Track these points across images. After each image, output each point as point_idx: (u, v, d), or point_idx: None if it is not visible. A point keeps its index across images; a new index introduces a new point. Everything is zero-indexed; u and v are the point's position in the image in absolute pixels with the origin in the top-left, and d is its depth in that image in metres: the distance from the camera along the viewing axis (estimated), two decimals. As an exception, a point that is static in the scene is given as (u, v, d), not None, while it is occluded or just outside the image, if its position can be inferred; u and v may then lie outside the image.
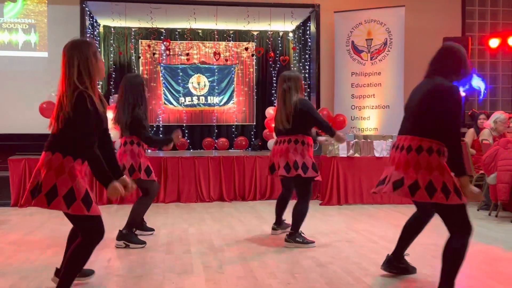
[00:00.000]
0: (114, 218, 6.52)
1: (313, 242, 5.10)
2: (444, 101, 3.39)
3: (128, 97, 5.03)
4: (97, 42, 10.41)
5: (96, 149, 3.22)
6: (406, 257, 4.10)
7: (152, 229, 5.66)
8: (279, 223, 5.71)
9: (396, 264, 4.03)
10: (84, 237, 3.20)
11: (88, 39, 3.37)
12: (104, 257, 4.60)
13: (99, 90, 3.44)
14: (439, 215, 3.55)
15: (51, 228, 6.01)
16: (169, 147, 5.27)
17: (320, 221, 6.47)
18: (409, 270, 4.06)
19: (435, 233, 5.63)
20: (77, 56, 3.15)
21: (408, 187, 3.43)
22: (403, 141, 3.59)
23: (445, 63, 3.58)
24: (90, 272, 3.88)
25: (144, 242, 5.10)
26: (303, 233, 5.12)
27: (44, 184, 3.11)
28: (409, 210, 7.29)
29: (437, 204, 3.42)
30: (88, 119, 3.13)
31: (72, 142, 3.14)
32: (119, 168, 3.51)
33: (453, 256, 3.42)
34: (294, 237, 5.05)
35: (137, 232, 5.39)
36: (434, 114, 3.41)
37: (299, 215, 5.06)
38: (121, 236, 5.06)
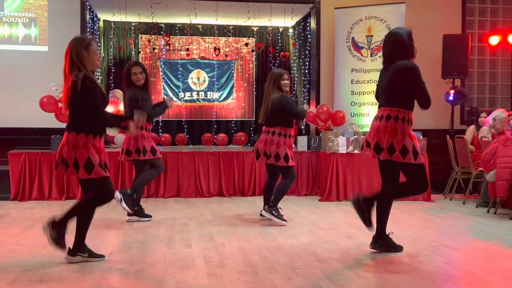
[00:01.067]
0: (113, 210, 6.54)
1: (285, 220, 5.86)
2: (409, 76, 4.30)
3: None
4: (97, 37, 10.40)
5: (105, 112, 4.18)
6: (390, 236, 4.68)
7: (150, 216, 6.10)
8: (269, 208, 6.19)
9: (381, 242, 4.65)
10: (96, 196, 4.09)
11: (84, 36, 4.14)
12: (105, 251, 4.62)
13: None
14: (402, 172, 4.47)
15: (52, 222, 6.03)
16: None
17: (320, 216, 6.50)
18: (395, 247, 4.65)
19: (435, 230, 5.69)
20: (71, 50, 3.93)
21: (387, 150, 4.31)
22: (382, 112, 4.43)
23: (393, 51, 4.44)
24: (101, 256, 4.38)
25: (150, 216, 6.03)
26: (280, 208, 6.02)
27: (68, 159, 3.95)
28: (408, 206, 7.39)
29: (399, 163, 4.32)
30: (93, 95, 3.93)
31: (85, 120, 3.97)
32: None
33: (394, 193, 4.54)
34: (271, 209, 5.84)
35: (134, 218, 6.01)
36: (404, 88, 4.31)
37: (279, 192, 5.86)
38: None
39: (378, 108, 4.54)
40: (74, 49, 3.92)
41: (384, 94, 4.46)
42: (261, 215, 6.17)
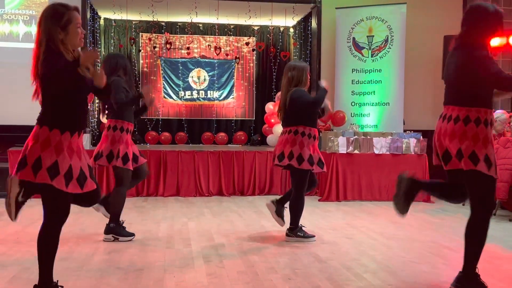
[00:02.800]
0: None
1: (313, 236, 5.16)
2: (479, 71, 3.37)
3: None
4: (97, 35, 10.38)
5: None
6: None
7: (132, 234, 5.12)
8: (278, 201, 5.37)
9: (465, 283, 3.49)
10: (50, 216, 3.27)
11: (61, 9, 3.09)
12: (105, 250, 4.62)
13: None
14: (467, 187, 3.52)
15: (51, 220, 6.01)
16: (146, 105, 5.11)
17: (319, 217, 6.49)
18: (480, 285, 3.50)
19: (435, 231, 5.68)
20: (44, 26, 3.04)
21: (456, 156, 3.44)
22: (451, 111, 3.52)
23: (474, 26, 3.46)
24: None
25: (132, 234, 5.08)
26: (303, 227, 5.18)
27: (29, 157, 3.02)
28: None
29: (471, 175, 3.42)
30: (70, 76, 2.99)
31: (61, 109, 3.12)
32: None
33: (471, 235, 3.44)
34: (295, 231, 5.10)
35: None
36: (474, 83, 3.41)
37: (295, 210, 5.09)
38: (109, 230, 4.99)
39: (445, 105, 3.64)
40: (47, 27, 3.02)
41: (451, 88, 3.58)
42: (286, 235, 5.23)
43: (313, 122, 5.15)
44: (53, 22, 3.03)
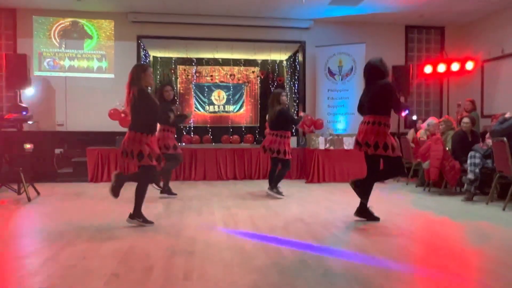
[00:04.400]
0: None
1: (282, 195, 5.90)
2: (387, 92, 4.20)
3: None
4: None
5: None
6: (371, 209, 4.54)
7: (175, 194, 6.04)
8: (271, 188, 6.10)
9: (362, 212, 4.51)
10: (145, 179, 4.12)
11: (142, 63, 4.18)
12: (156, 211, 4.64)
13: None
14: (385, 163, 4.33)
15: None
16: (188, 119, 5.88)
17: (306, 194, 6.49)
18: (372, 217, 4.49)
19: (386, 203, 5.64)
20: (133, 72, 4.01)
21: (373, 146, 4.21)
22: (368, 119, 4.30)
23: (374, 72, 4.31)
24: (151, 223, 4.30)
25: (176, 194, 5.95)
26: (279, 187, 5.96)
27: (144, 151, 3.95)
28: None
29: (386, 156, 4.21)
30: (149, 102, 3.98)
31: (144, 121, 3.97)
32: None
33: (380, 177, 4.49)
34: (274, 190, 5.91)
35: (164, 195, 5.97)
36: (383, 100, 4.20)
37: (278, 177, 5.93)
38: (163, 190, 5.88)
39: (364, 115, 4.38)
40: (135, 71, 3.98)
41: (368, 106, 4.32)
42: (267, 193, 6.08)
43: (290, 128, 6.04)
44: (139, 69, 4.03)
